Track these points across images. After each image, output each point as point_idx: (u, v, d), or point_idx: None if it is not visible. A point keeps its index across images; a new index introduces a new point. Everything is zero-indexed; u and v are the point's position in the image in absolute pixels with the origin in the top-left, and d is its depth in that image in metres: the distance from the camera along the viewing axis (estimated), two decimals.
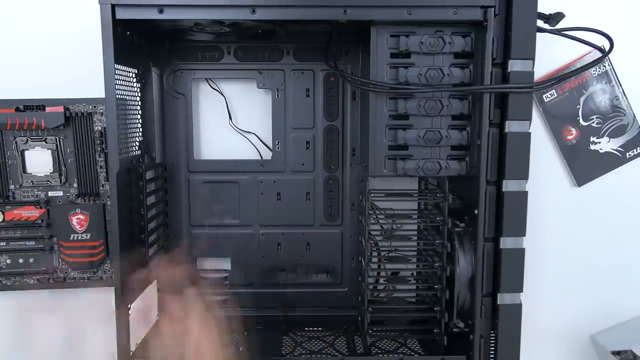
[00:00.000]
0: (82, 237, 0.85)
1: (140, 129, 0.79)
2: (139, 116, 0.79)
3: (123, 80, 0.71)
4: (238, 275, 0.89)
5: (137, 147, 0.78)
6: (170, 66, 0.85)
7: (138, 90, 0.78)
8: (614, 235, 0.90)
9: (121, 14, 0.63)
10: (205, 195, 0.87)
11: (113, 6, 0.62)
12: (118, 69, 0.66)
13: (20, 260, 0.86)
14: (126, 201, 0.71)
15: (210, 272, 0.90)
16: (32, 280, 0.86)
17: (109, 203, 0.85)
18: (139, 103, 0.79)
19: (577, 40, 0.67)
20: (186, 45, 0.84)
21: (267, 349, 0.76)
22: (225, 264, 0.89)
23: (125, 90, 0.72)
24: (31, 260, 0.86)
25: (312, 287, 0.89)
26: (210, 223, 0.88)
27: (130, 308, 0.71)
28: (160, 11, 0.63)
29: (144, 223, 0.75)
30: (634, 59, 0.87)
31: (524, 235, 0.67)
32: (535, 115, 0.87)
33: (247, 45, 0.84)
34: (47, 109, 0.82)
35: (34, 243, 0.86)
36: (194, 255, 0.88)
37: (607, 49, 0.67)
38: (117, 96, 0.66)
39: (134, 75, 0.76)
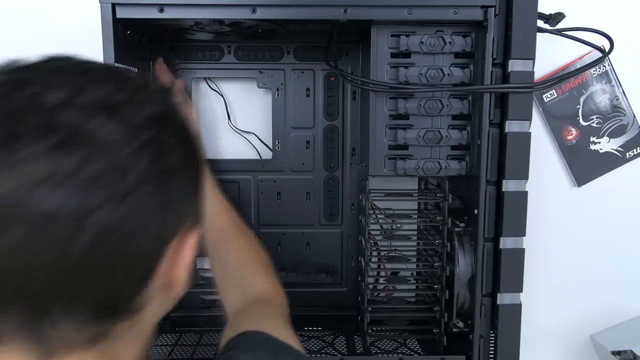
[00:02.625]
0: None
1: None
2: None
3: None
4: None
5: None
6: (171, 65, 0.84)
7: None
8: (614, 235, 0.90)
9: (121, 13, 0.63)
10: None
11: (114, 5, 0.62)
12: None
13: None
14: None
15: (210, 271, 0.90)
16: None
17: None
18: None
19: (578, 41, 0.67)
20: (186, 44, 0.84)
21: None
22: None
23: None
24: None
25: (312, 286, 0.89)
26: None
27: None
28: (161, 10, 0.63)
29: None
30: (634, 59, 0.87)
31: (524, 235, 0.67)
32: (535, 115, 0.87)
33: (248, 45, 0.84)
34: None
35: None
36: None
37: (607, 49, 0.67)
38: None
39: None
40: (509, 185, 0.66)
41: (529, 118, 0.65)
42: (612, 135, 0.88)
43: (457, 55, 0.68)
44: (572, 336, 0.92)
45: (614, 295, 0.91)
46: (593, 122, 0.88)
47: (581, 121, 0.88)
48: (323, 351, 0.77)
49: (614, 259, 0.91)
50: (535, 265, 0.87)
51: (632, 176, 0.89)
